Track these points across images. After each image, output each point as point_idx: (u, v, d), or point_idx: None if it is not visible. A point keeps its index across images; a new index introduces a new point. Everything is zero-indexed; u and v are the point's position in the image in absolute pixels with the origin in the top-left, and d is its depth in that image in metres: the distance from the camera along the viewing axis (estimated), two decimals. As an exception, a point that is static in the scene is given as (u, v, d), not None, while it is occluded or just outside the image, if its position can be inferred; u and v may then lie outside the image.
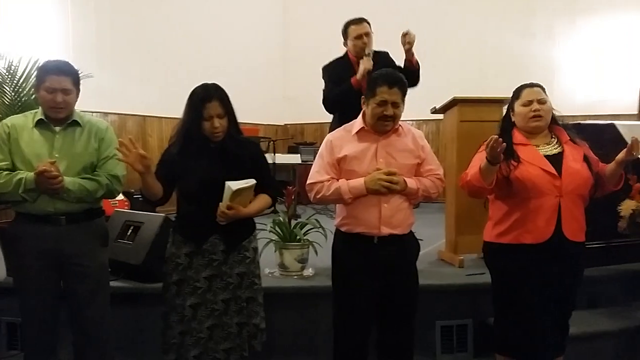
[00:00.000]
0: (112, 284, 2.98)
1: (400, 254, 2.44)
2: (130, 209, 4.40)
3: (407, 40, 3.47)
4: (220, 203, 2.30)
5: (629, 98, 6.49)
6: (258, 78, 7.73)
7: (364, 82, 3.38)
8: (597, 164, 2.48)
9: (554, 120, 2.53)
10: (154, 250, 3.10)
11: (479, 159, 2.37)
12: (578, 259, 2.47)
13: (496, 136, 2.22)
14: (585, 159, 2.44)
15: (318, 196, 2.43)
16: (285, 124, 8.53)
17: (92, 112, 5.30)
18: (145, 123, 6.35)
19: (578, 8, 6.67)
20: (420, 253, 2.62)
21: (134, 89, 6.13)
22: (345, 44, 3.68)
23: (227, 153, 2.40)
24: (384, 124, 2.36)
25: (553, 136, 2.51)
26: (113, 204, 4.50)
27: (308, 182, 2.47)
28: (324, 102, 3.60)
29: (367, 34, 3.55)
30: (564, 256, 2.40)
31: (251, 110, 7.51)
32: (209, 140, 2.39)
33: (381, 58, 3.55)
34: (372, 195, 2.34)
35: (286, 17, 8.49)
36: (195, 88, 2.39)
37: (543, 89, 2.51)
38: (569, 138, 2.49)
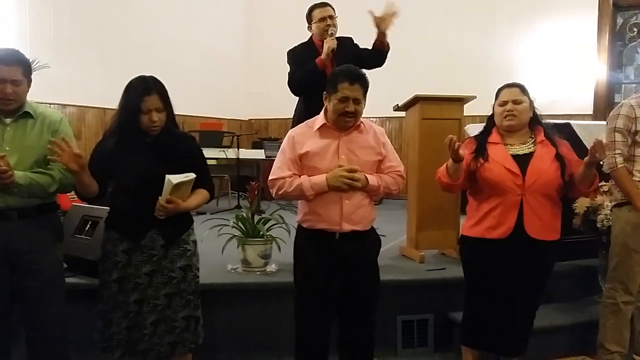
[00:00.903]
0: (70, 280, 2.91)
1: (362, 250, 2.45)
2: (89, 204, 4.29)
3: (389, 22, 3.44)
4: (160, 197, 2.27)
5: (585, 98, 6.66)
6: (222, 73, 7.66)
7: (328, 62, 3.43)
8: (576, 165, 2.51)
9: (536, 119, 2.60)
10: (112, 245, 3.02)
11: None
12: (543, 257, 2.54)
13: (452, 135, 2.32)
14: (559, 158, 2.49)
15: (280, 192, 2.42)
16: (250, 119, 8.47)
17: (50, 103, 5.16)
18: (106, 115, 6.18)
19: (537, 9, 6.80)
20: (382, 249, 2.65)
21: (93, 81, 5.98)
22: (309, 28, 3.70)
23: (164, 147, 2.36)
24: (346, 121, 2.37)
25: (532, 135, 2.58)
26: (71, 198, 4.37)
27: (270, 177, 2.46)
28: (289, 83, 3.61)
29: (331, 17, 3.60)
30: (527, 253, 2.47)
31: (215, 104, 7.49)
32: (145, 134, 2.34)
33: (345, 43, 3.60)
34: (334, 191, 2.35)
35: (250, 12, 8.42)
36: (132, 80, 2.34)
37: (522, 89, 2.57)
38: (543, 137, 2.55)
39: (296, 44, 3.71)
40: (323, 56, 3.44)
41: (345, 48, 3.55)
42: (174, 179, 2.24)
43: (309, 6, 3.70)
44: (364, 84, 2.37)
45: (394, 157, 2.52)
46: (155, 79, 2.36)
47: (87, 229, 3.23)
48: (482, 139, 2.57)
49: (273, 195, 2.48)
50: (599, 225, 3.27)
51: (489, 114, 2.65)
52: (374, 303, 2.53)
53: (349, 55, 3.42)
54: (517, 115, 2.51)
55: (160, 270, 2.38)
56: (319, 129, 2.42)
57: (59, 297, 2.50)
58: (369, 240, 2.50)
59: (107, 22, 6.23)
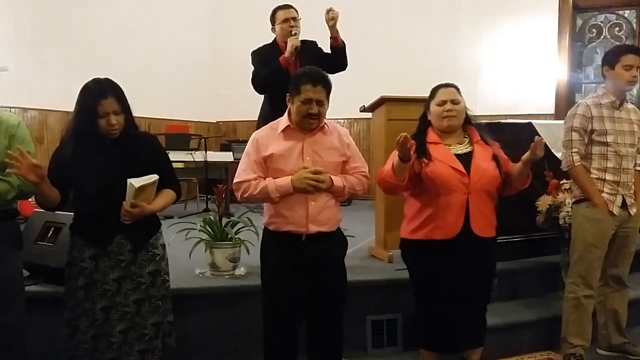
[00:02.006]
0: (32, 288, 2.85)
1: (329, 251, 2.46)
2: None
3: (331, 16, 3.51)
4: (124, 202, 2.23)
5: (546, 98, 6.80)
6: (189, 75, 7.57)
7: (292, 61, 3.46)
8: (507, 163, 2.60)
9: (468, 120, 2.64)
10: (76, 252, 2.96)
11: (394, 156, 2.44)
12: (487, 253, 2.58)
13: (405, 134, 2.31)
14: (495, 158, 2.55)
15: (245, 195, 2.40)
16: (218, 122, 8.40)
17: (11, 107, 5.03)
18: (69, 119, 6.07)
19: (500, 10, 6.90)
20: (351, 249, 2.67)
21: (56, 84, 5.82)
22: (273, 29, 3.71)
23: (124, 150, 2.31)
24: (309, 122, 2.37)
25: (466, 136, 2.62)
26: (34, 204, 4.28)
27: (235, 180, 2.44)
28: (253, 82, 3.61)
29: (294, 19, 3.62)
30: (473, 251, 2.50)
31: (182, 107, 7.41)
32: (104, 137, 2.30)
33: (309, 46, 3.62)
34: (299, 193, 2.35)
35: (216, 14, 8.34)
36: (87, 83, 2.29)
37: (457, 89, 2.61)
38: (479, 138, 2.59)
39: (260, 45, 3.71)
40: (287, 54, 3.46)
41: (310, 50, 3.58)
42: (136, 182, 2.20)
43: (273, 8, 3.72)
44: (327, 86, 2.38)
45: (359, 158, 2.54)
46: (111, 80, 2.30)
47: (49, 235, 3.15)
48: (421, 139, 2.55)
49: (238, 198, 2.46)
50: (561, 222, 3.34)
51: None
52: (341, 304, 2.54)
53: (313, 57, 3.44)
54: (456, 116, 2.55)
55: (129, 276, 2.34)
56: (283, 130, 2.42)
57: (19, 306, 2.42)
58: (336, 241, 2.51)
59: (70, 23, 6.09)
